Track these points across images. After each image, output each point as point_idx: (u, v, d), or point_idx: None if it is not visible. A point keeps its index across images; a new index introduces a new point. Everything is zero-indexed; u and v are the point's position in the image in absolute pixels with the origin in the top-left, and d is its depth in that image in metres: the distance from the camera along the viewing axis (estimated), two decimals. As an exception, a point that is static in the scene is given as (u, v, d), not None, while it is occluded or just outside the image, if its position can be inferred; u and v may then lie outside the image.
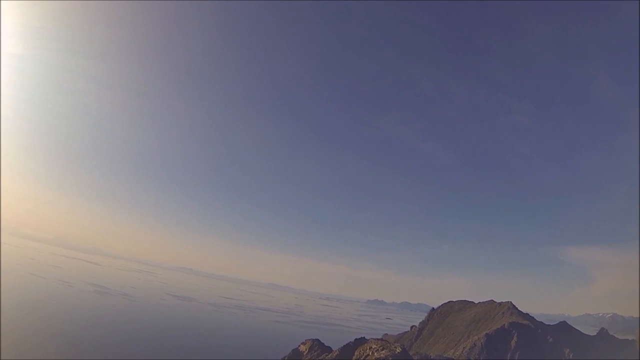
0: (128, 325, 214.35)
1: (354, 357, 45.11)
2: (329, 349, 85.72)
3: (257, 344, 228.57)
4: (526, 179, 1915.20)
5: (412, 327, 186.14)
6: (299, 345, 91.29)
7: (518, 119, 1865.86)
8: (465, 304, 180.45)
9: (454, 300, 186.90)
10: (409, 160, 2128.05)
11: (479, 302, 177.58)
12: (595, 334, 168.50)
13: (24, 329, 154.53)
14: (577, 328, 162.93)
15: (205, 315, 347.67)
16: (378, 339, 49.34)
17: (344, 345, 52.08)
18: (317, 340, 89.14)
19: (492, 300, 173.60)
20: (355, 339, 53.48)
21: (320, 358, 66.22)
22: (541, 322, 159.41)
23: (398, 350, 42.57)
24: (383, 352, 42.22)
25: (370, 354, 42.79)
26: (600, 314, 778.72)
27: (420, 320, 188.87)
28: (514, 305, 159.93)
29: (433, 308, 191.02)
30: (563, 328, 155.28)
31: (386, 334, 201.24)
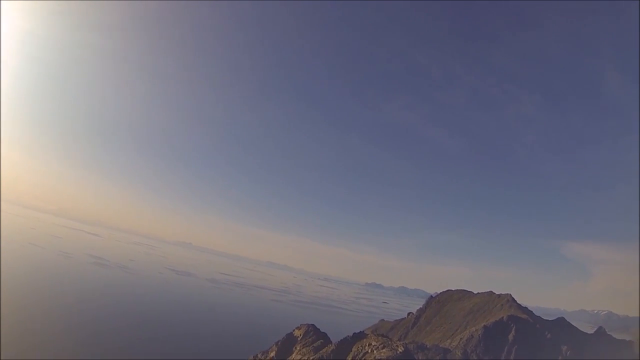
0: (124, 298, 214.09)
1: (352, 354, 42.08)
2: (324, 335, 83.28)
3: (252, 322, 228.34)
4: (530, 170, 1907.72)
5: (409, 314, 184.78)
6: (294, 330, 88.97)
7: (525, 110, 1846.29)
8: (464, 294, 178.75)
9: (453, 289, 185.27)
10: (414, 146, 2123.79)
11: (478, 293, 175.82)
12: (591, 331, 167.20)
13: (20, 299, 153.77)
14: (573, 324, 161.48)
15: (202, 290, 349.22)
16: (379, 335, 46.36)
17: (340, 340, 49.23)
18: (313, 325, 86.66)
19: (491, 291, 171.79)
20: (354, 334, 50.56)
21: (314, 358, 63.10)
22: (539, 316, 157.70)
23: (400, 349, 39.46)
24: (384, 350, 39.12)
25: (370, 351, 39.75)
26: (596, 311, 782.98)
27: (418, 306, 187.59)
28: (513, 298, 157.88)
29: (431, 295, 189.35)
30: (561, 324, 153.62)
31: (382, 319, 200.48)
